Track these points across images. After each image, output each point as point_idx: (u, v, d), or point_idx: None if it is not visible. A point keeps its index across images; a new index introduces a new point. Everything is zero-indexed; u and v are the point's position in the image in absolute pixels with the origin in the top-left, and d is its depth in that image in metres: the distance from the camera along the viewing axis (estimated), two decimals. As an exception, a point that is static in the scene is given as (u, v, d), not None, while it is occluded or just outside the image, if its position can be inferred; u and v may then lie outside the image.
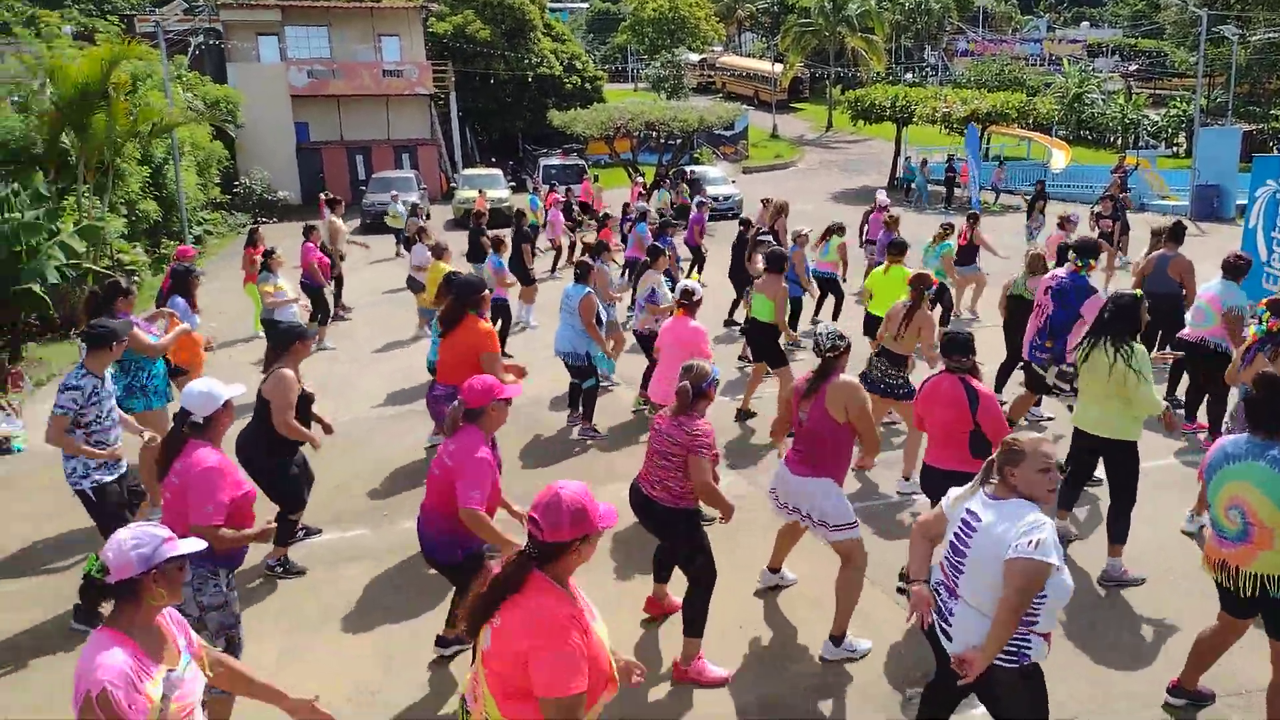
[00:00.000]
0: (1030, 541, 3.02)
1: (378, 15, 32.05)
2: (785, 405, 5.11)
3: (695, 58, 49.65)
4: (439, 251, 10.33)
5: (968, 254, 12.26)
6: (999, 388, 8.14)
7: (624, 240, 15.02)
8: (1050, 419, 8.20)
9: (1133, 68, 51.76)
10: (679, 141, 28.79)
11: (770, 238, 11.13)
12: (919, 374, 6.38)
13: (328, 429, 6.09)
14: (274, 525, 4.17)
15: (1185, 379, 8.06)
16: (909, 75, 54.08)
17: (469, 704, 2.73)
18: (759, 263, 9.76)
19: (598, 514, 2.58)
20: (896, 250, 8.51)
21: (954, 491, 3.50)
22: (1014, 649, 3.15)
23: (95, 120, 14.18)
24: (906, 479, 6.74)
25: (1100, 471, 5.81)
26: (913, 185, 28.57)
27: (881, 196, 14.78)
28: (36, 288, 9.93)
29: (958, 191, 27.99)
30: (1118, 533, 5.43)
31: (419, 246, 12.06)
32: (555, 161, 30.05)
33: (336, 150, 31.59)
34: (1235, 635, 4.15)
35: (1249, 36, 33.78)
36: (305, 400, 5.67)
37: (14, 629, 5.29)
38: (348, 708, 4.46)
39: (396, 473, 7.57)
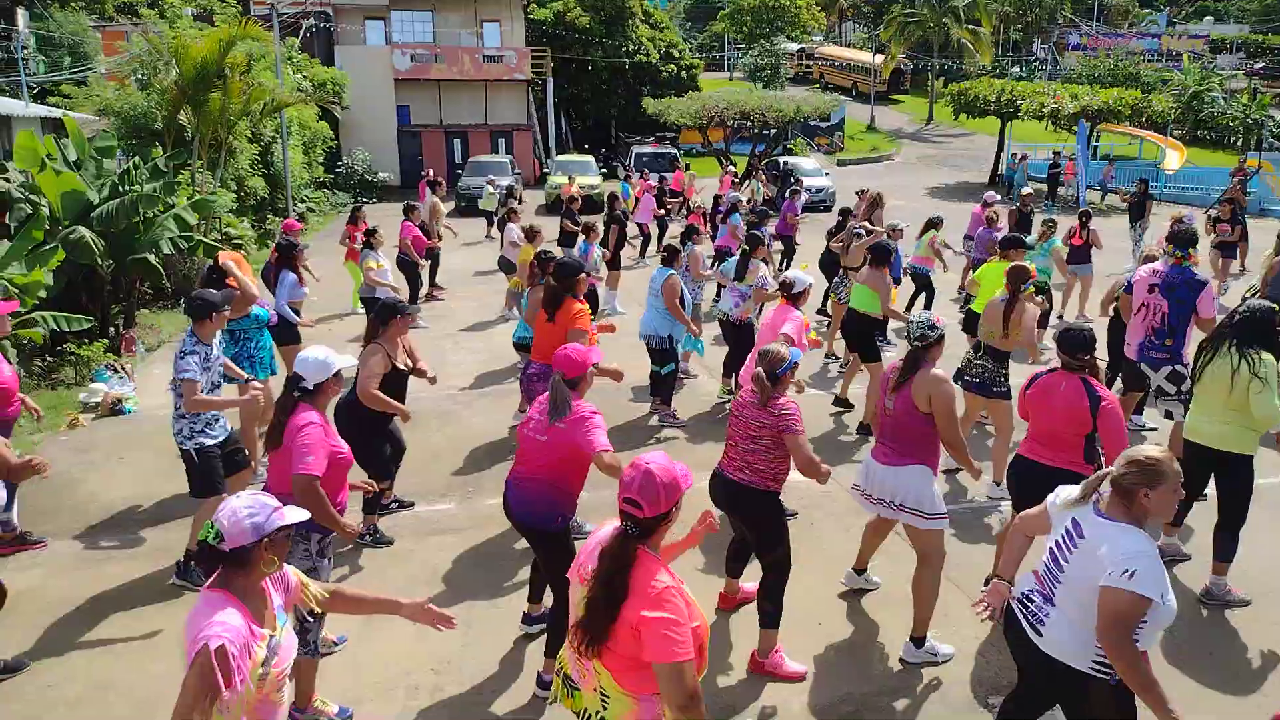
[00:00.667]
0: (1127, 573, 2.88)
1: (481, 1, 32.54)
2: (874, 398, 5.01)
3: (794, 47, 49.00)
4: (531, 234, 10.49)
5: (1080, 253, 11.84)
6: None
7: (714, 231, 14.97)
8: (1153, 429, 7.85)
9: (1259, 65, 48.92)
10: (773, 132, 28.46)
11: (862, 233, 10.93)
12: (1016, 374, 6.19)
13: (431, 380, 6.28)
14: (372, 485, 4.33)
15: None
16: (1016, 69, 52.25)
17: (575, 680, 2.78)
18: (857, 255, 9.60)
19: (681, 478, 2.70)
20: (1011, 245, 8.24)
21: (1065, 493, 3.33)
22: (1109, 661, 3.03)
23: (212, 99, 14.80)
24: (998, 484, 6.54)
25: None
26: (1014, 182, 27.65)
27: (990, 194, 14.36)
28: (151, 257, 10.41)
29: (1061, 190, 27.00)
30: (1224, 551, 5.17)
31: (511, 227, 12.25)
32: (647, 149, 30.07)
33: (435, 133, 32.23)
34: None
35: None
36: (400, 375, 5.83)
37: (116, 583, 5.56)
38: (430, 677, 4.58)
39: (482, 449, 7.72)
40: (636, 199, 18.74)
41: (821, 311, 11.91)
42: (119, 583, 5.54)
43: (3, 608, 4.51)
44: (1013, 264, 7.02)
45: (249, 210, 18.25)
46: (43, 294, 8.63)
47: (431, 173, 18.54)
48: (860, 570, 5.43)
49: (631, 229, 17.53)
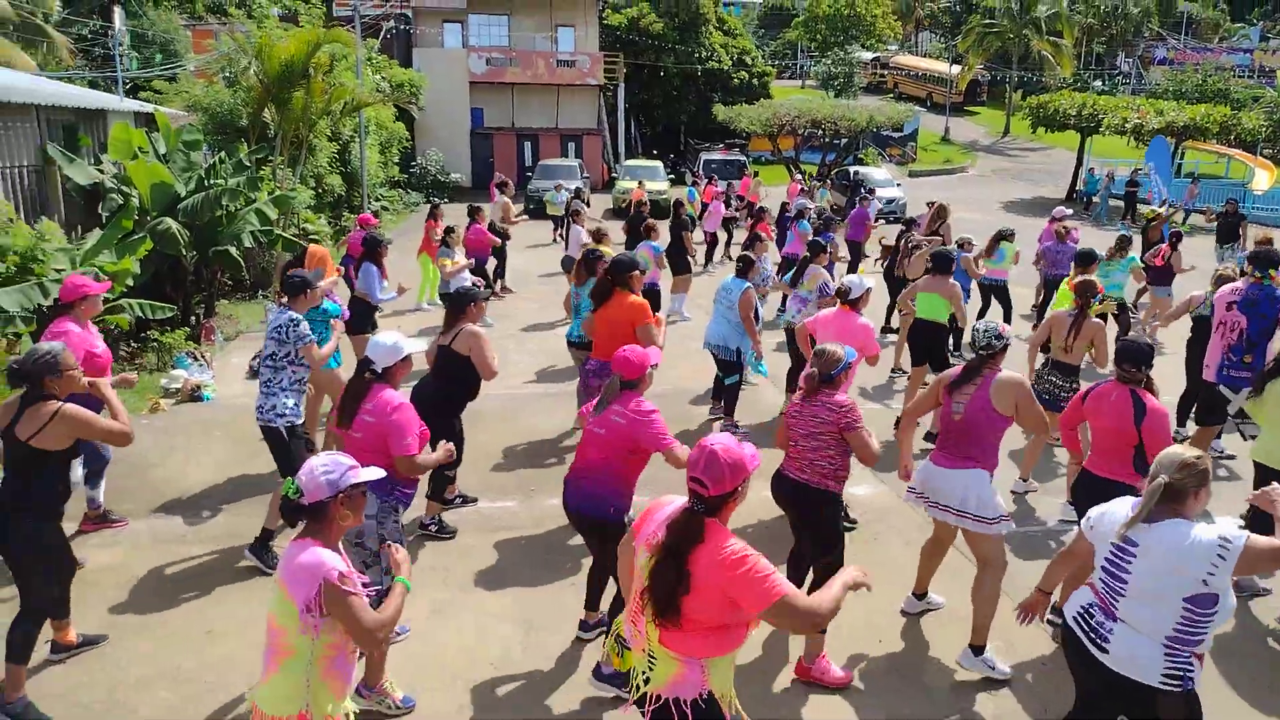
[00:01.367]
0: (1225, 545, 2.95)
1: (557, 6, 32.88)
2: (930, 395, 4.90)
3: (868, 56, 48.47)
4: (599, 236, 10.55)
5: (1163, 275, 11.49)
6: (1181, 421, 7.63)
7: (781, 238, 14.87)
8: (1232, 457, 7.58)
9: (1360, 82, 46.83)
10: (844, 141, 28.17)
11: (923, 244, 10.76)
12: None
13: None
14: (452, 447, 4.53)
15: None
16: (1098, 82, 50.84)
17: (628, 641, 2.94)
18: (918, 265, 9.47)
19: (748, 458, 2.79)
20: (1085, 261, 8.08)
21: (1110, 518, 3.27)
22: (1179, 673, 3.01)
23: (295, 97, 15.25)
24: (1071, 504, 6.38)
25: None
26: (1094, 199, 26.92)
27: (1061, 209, 14.02)
28: (232, 249, 10.77)
29: (1141, 208, 26.18)
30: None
31: (578, 228, 12.35)
32: (716, 156, 30.05)
33: (507, 136, 32.66)
34: None
35: None
36: (473, 371, 5.95)
37: (190, 563, 5.77)
38: (490, 670, 4.66)
39: (544, 448, 7.80)
40: (705, 204, 18.73)
41: (886, 329, 11.69)
42: (193, 563, 5.74)
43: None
44: (1081, 278, 6.90)
45: (326, 207, 18.70)
46: (130, 282, 8.97)
47: (501, 176, 18.80)
48: (920, 595, 5.32)
49: (698, 235, 17.54)
